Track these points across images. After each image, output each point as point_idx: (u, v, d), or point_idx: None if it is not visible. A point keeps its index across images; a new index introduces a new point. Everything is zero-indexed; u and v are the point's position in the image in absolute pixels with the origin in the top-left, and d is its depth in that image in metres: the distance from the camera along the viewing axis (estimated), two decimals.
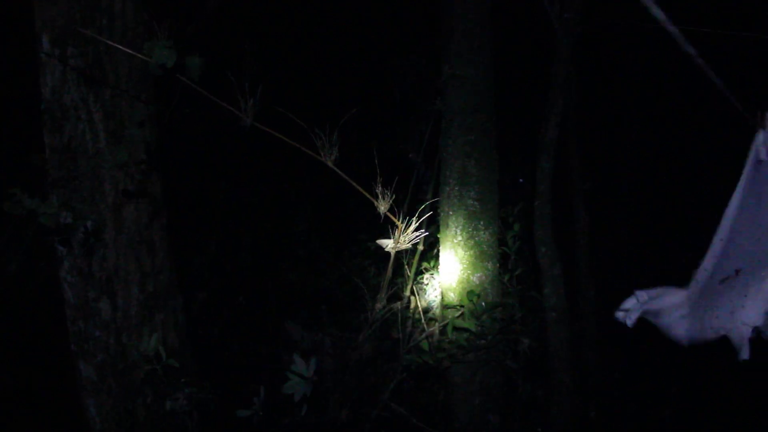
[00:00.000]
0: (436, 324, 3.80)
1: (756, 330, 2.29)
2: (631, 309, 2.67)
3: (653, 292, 2.65)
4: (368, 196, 3.05)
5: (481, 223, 3.73)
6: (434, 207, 3.94)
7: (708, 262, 2.43)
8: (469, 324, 3.59)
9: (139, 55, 2.18)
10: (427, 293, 4.07)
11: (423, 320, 3.87)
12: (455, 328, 3.65)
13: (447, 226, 3.79)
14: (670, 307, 2.54)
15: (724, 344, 2.43)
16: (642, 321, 2.71)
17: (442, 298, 3.86)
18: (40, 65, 2.81)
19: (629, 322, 2.70)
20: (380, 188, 3.07)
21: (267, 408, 2.70)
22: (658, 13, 1.17)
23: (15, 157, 3.08)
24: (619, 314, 2.79)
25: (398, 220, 3.29)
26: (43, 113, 2.83)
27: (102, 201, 2.87)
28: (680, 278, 2.82)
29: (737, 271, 2.36)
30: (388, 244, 3.49)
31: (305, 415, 2.89)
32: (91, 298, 2.86)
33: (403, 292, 4.12)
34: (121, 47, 2.68)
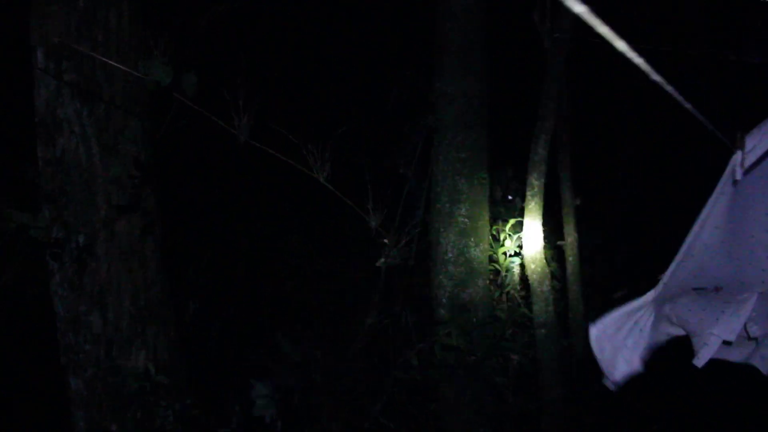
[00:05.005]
0: (427, 340, 3.81)
1: (724, 342, 2.34)
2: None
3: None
4: (360, 212, 3.07)
5: (472, 240, 3.75)
6: (425, 223, 3.96)
7: (677, 270, 2.38)
8: (459, 341, 3.61)
9: (135, 73, 2.20)
10: (418, 309, 4.08)
11: (413, 335, 3.88)
12: (445, 345, 3.66)
13: (438, 242, 3.81)
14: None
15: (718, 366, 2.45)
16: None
17: (433, 314, 3.88)
18: (34, 78, 2.83)
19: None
20: (371, 203, 3.10)
21: (245, 424, 2.69)
22: (620, 45, 1.19)
23: (7, 170, 3.08)
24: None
25: (389, 235, 3.32)
26: (36, 126, 2.84)
27: (94, 215, 2.87)
28: None
29: (717, 289, 2.39)
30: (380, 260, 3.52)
31: (300, 427, 2.89)
32: (82, 312, 2.86)
33: (394, 306, 4.13)
34: (116, 65, 2.70)
